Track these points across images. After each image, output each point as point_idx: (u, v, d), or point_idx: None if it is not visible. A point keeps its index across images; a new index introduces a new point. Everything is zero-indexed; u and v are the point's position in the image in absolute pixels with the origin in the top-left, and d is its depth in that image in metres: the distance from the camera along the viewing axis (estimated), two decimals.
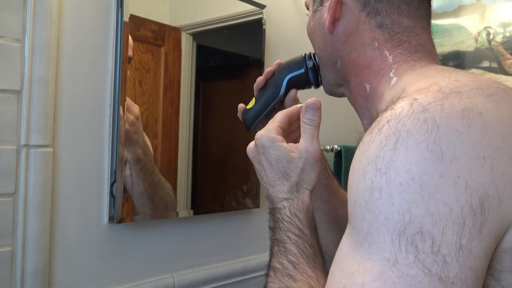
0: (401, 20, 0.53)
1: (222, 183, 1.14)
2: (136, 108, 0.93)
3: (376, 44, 0.53)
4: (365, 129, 0.57)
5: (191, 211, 1.06)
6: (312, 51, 0.66)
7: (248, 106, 0.71)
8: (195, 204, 1.07)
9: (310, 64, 0.66)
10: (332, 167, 1.42)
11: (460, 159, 0.35)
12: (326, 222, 0.72)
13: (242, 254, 1.19)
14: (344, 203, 0.74)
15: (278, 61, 0.71)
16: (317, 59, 0.65)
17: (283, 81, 0.68)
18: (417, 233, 0.35)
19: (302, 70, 0.67)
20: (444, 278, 0.34)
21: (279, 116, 0.60)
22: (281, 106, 0.69)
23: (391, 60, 0.52)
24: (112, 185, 0.91)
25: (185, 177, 1.05)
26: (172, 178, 1.02)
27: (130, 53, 0.92)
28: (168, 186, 1.00)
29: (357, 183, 0.40)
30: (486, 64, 1.45)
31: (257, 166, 0.60)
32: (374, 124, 0.42)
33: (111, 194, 0.91)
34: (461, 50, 1.50)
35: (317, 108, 0.58)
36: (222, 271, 1.12)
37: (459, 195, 0.35)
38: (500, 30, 1.43)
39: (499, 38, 1.43)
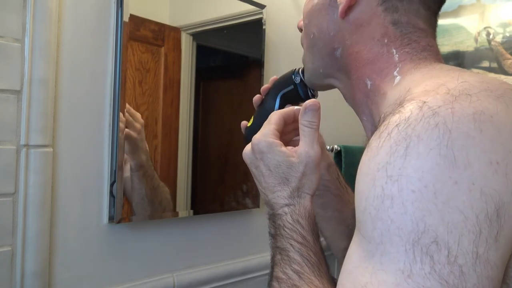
0: (417, 21, 0.52)
1: (222, 183, 1.14)
2: (139, 115, 0.94)
3: (385, 40, 0.51)
4: (365, 126, 0.56)
5: (191, 211, 1.06)
6: (301, 66, 0.66)
7: (249, 124, 0.72)
8: (195, 204, 1.07)
9: (297, 80, 0.66)
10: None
11: (473, 164, 0.34)
12: (340, 231, 0.70)
13: (242, 254, 1.19)
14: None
15: (273, 77, 0.71)
16: (306, 43, 0.61)
17: (276, 98, 0.69)
18: (432, 242, 0.34)
19: (292, 87, 0.67)
20: None
21: (275, 118, 0.58)
22: None
23: (396, 59, 0.51)
24: (112, 185, 0.91)
25: (185, 177, 1.05)
26: (172, 178, 1.02)
27: None
28: (166, 190, 1.00)
29: (366, 190, 0.38)
30: (486, 64, 1.45)
31: (254, 171, 0.58)
32: (382, 128, 0.40)
33: (111, 194, 0.91)
34: (461, 50, 1.50)
35: (316, 110, 0.56)
36: (222, 271, 1.12)
37: (474, 202, 0.34)
38: (500, 30, 1.43)
39: (499, 38, 1.43)
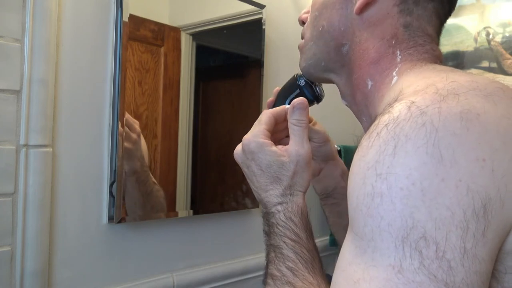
0: (427, 27, 0.53)
1: (222, 183, 1.14)
2: (137, 124, 0.93)
3: (393, 42, 0.52)
4: (364, 127, 0.57)
5: (191, 211, 1.06)
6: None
7: None
8: (194, 204, 1.07)
9: (302, 82, 0.65)
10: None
11: (460, 162, 0.35)
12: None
13: (241, 254, 1.19)
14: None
15: (276, 88, 0.70)
16: (312, 35, 0.60)
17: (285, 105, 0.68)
18: (420, 238, 0.34)
19: (298, 91, 0.66)
20: (450, 283, 0.34)
21: (265, 118, 0.58)
22: None
23: (398, 60, 0.51)
24: (111, 185, 0.91)
25: (184, 177, 1.05)
26: (172, 178, 1.02)
27: None
28: (161, 195, 1.00)
29: (357, 188, 0.39)
30: (485, 64, 1.45)
31: (246, 171, 0.58)
32: (371, 128, 0.41)
33: (111, 194, 0.91)
34: (461, 50, 1.50)
35: (304, 108, 0.57)
36: (221, 271, 1.12)
37: (461, 198, 0.34)
38: (500, 30, 1.43)
39: (498, 38, 1.43)
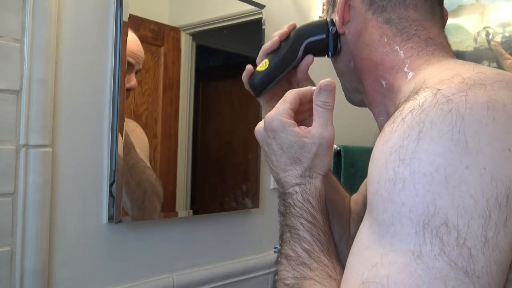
0: (408, 14, 0.53)
1: (222, 183, 1.14)
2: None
3: (385, 40, 0.53)
4: (380, 126, 0.56)
5: (191, 211, 1.06)
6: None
7: (259, 68, 0.66)
8: (194, 204, 1.07)
9: (333, 30, 0.62)
10: (331, 167, 1.42)
11: (485, 150, 0.35)
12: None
13: (241, 254, 1.19)
14: (334, 188, 0.73)
15: (292, 22, 0.66)
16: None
17: (301, 45, 0.64)
18: (442, 225, 0.34)
19: (323, 36, 0.62)
20: (470, 271, 0.34)
21: (290, 97, 0.57)
22: (293, 72, 0.66)
23: (402, 55, 0.52)
24: (111, 185, 0.91)
25: (184, 177, 1.05)
26: (172, 178, 1.02)
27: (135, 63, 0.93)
28: (157, 191, 1.00)
29: (378, 173, 0.39)
30: (485, 64, 1.45)
31: (266, 149, 0.57)
32: (396, 113, 0.41)
33: (111, 194, 0.91)
34: (461, 50, 1.50)
35: (331, 90, 0.55)
36: (221, 271, 1.12)
37: (485, 187, 0.34)
38: (500, 30, 1.43)
39: (498, 38, 1.43)
